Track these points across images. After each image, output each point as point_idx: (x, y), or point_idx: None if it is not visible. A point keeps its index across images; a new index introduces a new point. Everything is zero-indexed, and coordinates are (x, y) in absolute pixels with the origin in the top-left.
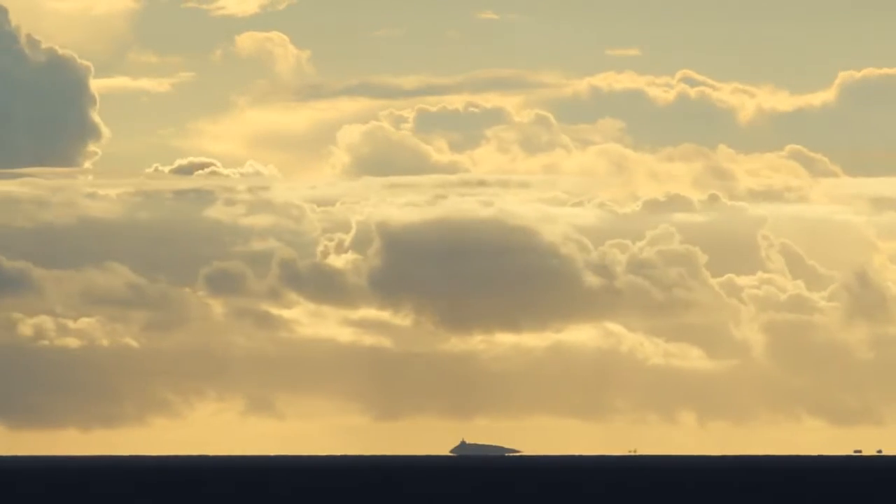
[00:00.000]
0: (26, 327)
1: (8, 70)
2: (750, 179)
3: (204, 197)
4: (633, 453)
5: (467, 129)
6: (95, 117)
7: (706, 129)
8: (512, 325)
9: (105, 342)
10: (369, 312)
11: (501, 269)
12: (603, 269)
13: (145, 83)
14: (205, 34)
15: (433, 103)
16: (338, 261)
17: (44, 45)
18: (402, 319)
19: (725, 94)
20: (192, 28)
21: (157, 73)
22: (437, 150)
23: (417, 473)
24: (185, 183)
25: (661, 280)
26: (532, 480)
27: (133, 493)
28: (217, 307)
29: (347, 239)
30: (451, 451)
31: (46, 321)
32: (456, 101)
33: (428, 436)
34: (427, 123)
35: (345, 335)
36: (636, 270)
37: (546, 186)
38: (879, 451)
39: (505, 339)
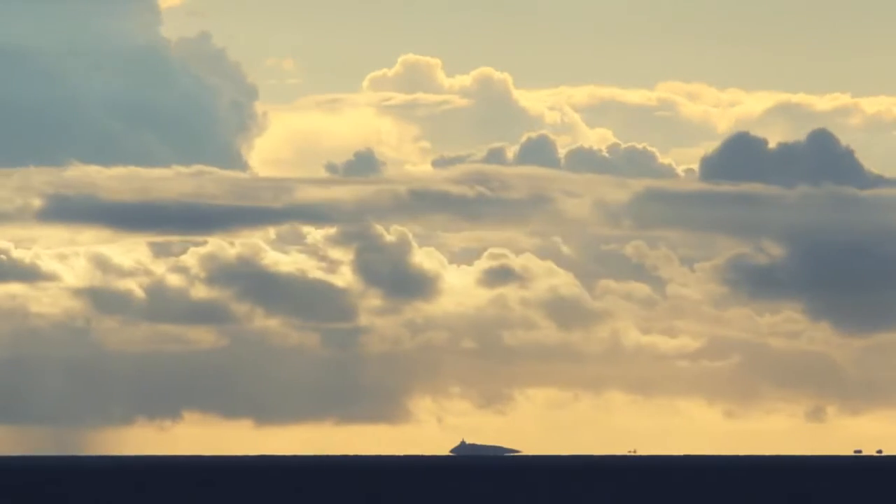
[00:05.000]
0: None
1: None
2: None
3: None
4: (632, 453)
5: None
6: None
7: None
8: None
9: None
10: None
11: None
12: None
13: None
14: None
15: None
16: None
17: None
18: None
19: None
20: None
21: None
22: None
23: (416, 474)
24: None
25: None
26: (532, 480)
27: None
28: None
29: None
30: (451, 451)
31: None
32: None
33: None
34: None
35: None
36: None
37: None
38: (879, 451)
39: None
